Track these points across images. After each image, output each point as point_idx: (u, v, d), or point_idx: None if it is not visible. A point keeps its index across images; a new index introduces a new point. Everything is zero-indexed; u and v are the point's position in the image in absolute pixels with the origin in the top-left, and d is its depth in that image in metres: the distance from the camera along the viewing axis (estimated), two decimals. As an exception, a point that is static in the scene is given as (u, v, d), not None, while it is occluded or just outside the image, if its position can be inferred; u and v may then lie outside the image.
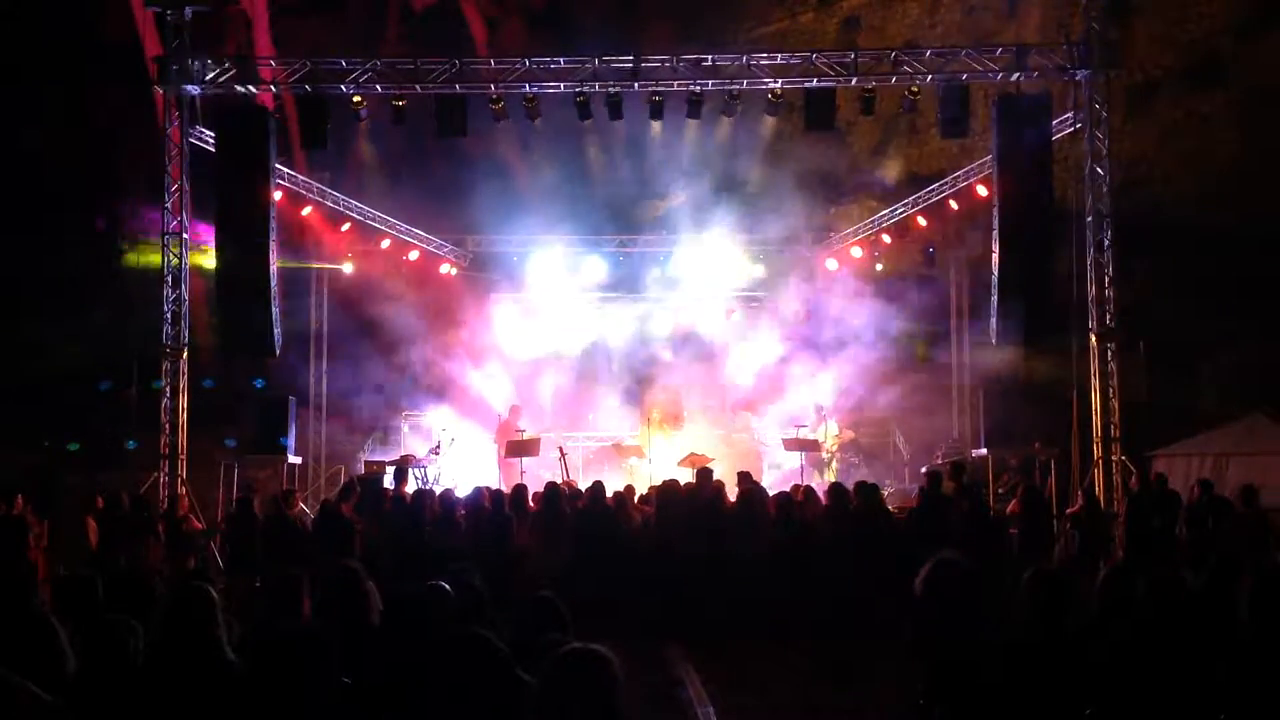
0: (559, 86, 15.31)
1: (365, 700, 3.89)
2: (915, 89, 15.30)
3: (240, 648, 4.49)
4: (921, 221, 19.13)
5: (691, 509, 11.63)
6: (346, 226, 19.32)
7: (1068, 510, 13.82)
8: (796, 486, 13.29)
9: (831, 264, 21.42)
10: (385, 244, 19.92)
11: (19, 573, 10.62)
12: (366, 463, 18.04)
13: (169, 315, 15.04)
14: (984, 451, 15.91)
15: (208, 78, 15.15)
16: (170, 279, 15.08)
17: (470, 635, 3.91)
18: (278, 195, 15.69)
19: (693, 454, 16.64)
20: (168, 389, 14.95)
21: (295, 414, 16.25)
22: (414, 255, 20.49)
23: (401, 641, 4.45)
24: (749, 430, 19.55)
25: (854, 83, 15.22)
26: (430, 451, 17.39)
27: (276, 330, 14.91)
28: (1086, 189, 15.00)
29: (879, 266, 20.64)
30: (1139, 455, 15.44)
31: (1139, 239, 16.39)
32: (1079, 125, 15.07)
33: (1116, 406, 14.69)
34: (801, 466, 16.83)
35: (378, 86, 15.28)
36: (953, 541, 9.78)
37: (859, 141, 23.89)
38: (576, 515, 11.65)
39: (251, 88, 15.61)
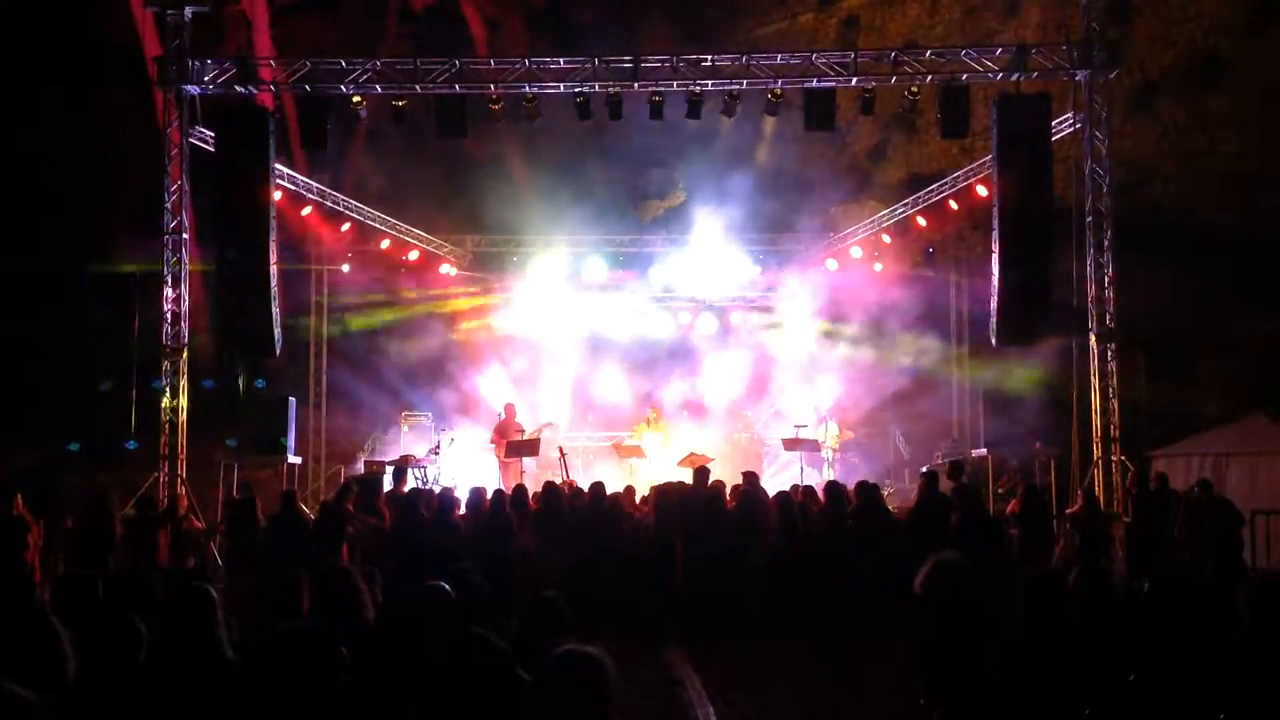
0: (559, 86, 15.31)
1: (365, 700, 3.88)
2: (915, 89, 15.30)
3: (244, 647, 4.49)
4: (921, 221, 19.13)
5: (690, 509, 11.63)
6: (346, 226, 19.32)
7: (1068, 510, 13.82)
8: (796, 486, 13.30)
9: (831, 264, 21.42)
10: (385, 244, 19.92)
11: (18, 572, 10.61)
12: (366, 463, 18.04)
13: (169, 315, 15.04)
14: (984, 451, 15.91)
15: (207, 78, 15.14)
16: (170, 279, 15.08)
17: (470, 635, 3.91)
18: (278, 195, 15.69)
19: (692, 454, 16.65)
20: (168, 389, 14.96)
21: (295, 414, 16.26)
22: (414, 255, 20.49)
23: (401, 641, 4.45)
24: (749, 430, 19.56)
25: (854, 83, 15.22)
26: (430, 451, 17.39)
27: (276, 330, 14.91)
28: (1086, 189, 15.01)
29: (878, 266, 20.64)
30: (1139, 455, 15.44)
31: (1139, 239, 16.38)
32: (1079, 125, 15.08)
33: (1116, 406, 14.69)
34: (801, 466, 16.85)
35: (378, 86, 15.28)
36: (952, 541, 9.81)
37: (859, 141, 23.89)
38: (576, 515, 11.66)
39: (251, 88, 15.60)
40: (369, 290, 21.29)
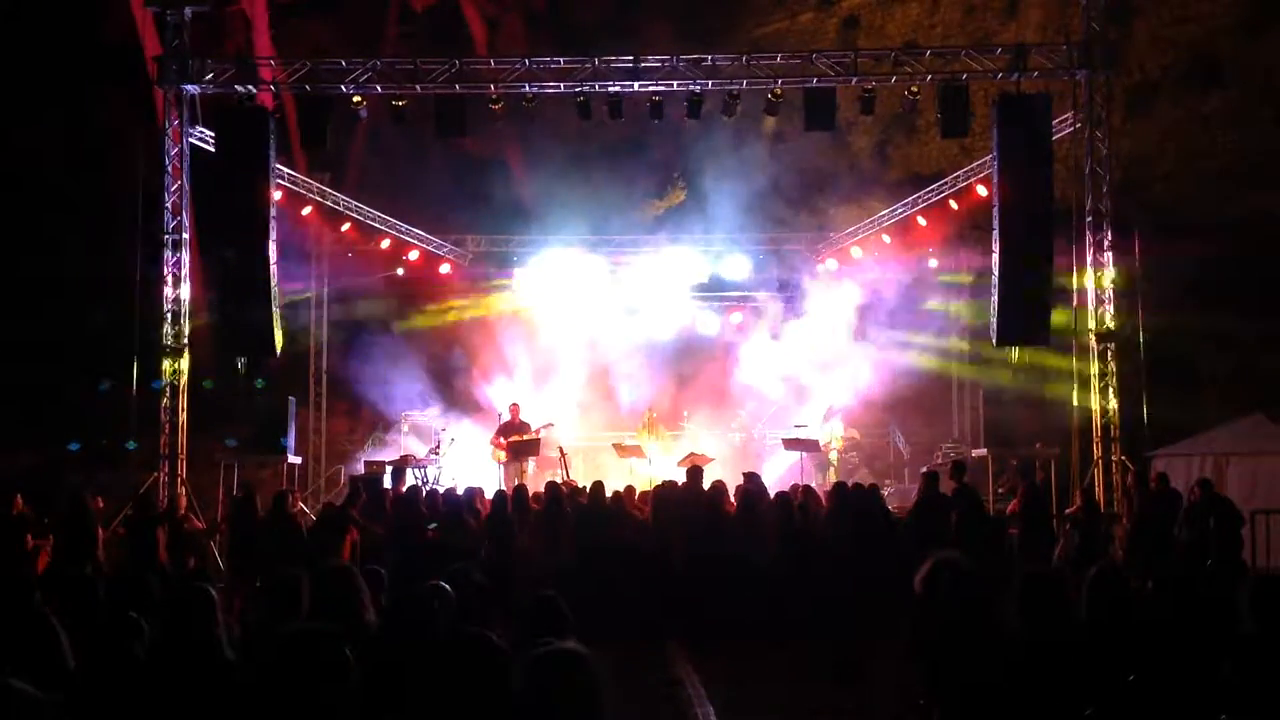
0: (559, 86, 15.31)
1: (365, 700, 3.88)
2: (915, 89, 15.29)
3: (250, 647, 4.50)
4: (921, 221, 19.12)
5: (687, 509, 11.64)
6: (346, 226, 19.32)
7: (1067, 510, 13.83)
8: (796, 486, 13.30)
9: (832, 264, 21.42)
10: (385, 244, 19.92)
11: (19, 572, 10.62)
12: (366, 463, 18.04)
13: (169, 315, 15.04)
14: (984, 451, 15.91)
15: (207, 78, 15.15)
16: (170, 279, 15.08)
17: (470, 635, 3.91)
18: (278, 195, 15.69)
19: (692, 454, 16.66)
20: (168, 389, 14.95)
21: (295, 414, 16.25)
22: (414, 255, 20.48)
23: (401, 641, 4.45)
24: (749, 430, 19.56)
25: (854, 83, 15.22)
26: (430, 451, 17.40)
27: (276, 330, 14.92)
28: (1086, 189, 15.00)
29: (872, 267, 20.64)
30: (1139, 455, 15.44)
31: (1138, 239, 16.38)
32: (1079, 125, 15.08)
33: (1116, 406, 14.69)
34: (801, 466, 16.85)
35: (378, 86, 15.28)
36: (953, 541, 9.82)
37: (859, 141, 23.88)
38: (577, 515, 11.66)
39: (251, 88, 15.61)
40: (369, 290, 21.28)
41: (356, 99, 15.21)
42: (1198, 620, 4.55)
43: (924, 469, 15.60)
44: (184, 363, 15.10)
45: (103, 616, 4.76)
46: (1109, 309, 14.90)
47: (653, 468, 16.95)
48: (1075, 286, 15.06)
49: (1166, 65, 20.81)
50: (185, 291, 15.15)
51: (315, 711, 3.02)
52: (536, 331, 21.65)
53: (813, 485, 14.38)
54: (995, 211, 14.78)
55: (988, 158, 15.87)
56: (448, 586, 4.90)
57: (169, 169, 15.06)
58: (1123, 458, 14.54)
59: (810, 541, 11.19)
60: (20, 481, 13.12)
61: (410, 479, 15.00)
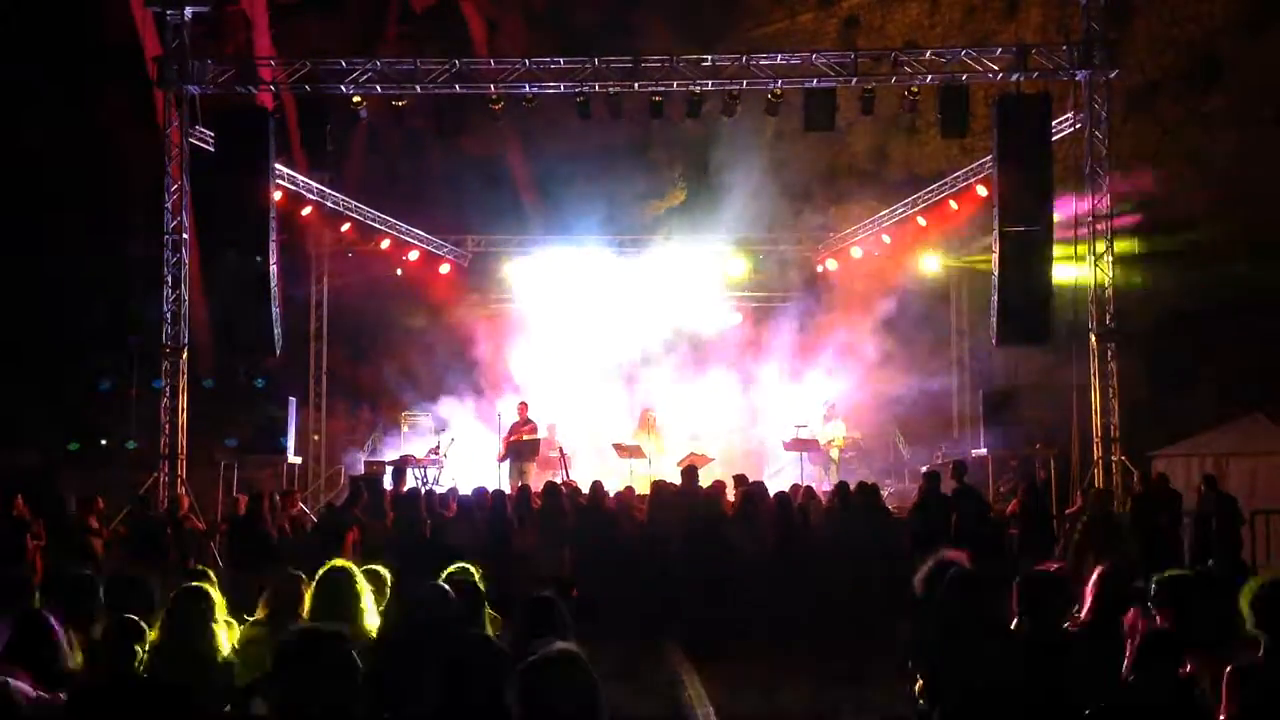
0: (559, 86, 15.31)
1: (366, 701, 3.88)
2: (915, 89, 15.30)
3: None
4: (921, 221, 19.12)
5: (684, 509, 11.64)
6: (346, 226, 19.32)
7: (1067, 510, 13.83)
8: (796, 486, 13.31)
9: (831, 264, 21.42)
10: (385, 244, 19.91)
11: (19, 572, 10.61)
12: (366, 462, 18.06)
13: (169, 315, 15.04)
14: (984, 451, 15.90)
15: (208, 78, 15.15)
16: (170, 279, 15.08)
17: (470, 635, 3.92)
18: (278, 195, 15.69)
19: (692, 454, 16.66)
20: (168, 389, 14.96)
21: (295, 414, 16.25)
22: (414, 255, 20.48)
23: (402, 642, 4.45)
24: (749, 430, 19.56)
25: (854, 83, 15.22)
26: (430, 451, 17.40)
27: (277, 330, 14.92)
28: (1086, 189, 15.01)
29: (872, 267, 20.63)
30: (1139, 455, 15.44)
31: (1138, 239, 16.39)
32: (1079, 125, 15.08)
33: (1116, 406, 14.69)
34: (801, 466, 16.85)
35: (378, 87, 15.28)
36: (953, 541, 9.82)
37: (859, 141, 23.87)
38: (577, 515, 11.66)
39: (251, 88, 15.61)
40: (369, 290, 21.27)
41: (356, 99, 15.22)
42: (1197, 620, 4.56)
43: (924, 469, 15.61)
44: (184, 363, 15.10)
45: (103, 617, 4.76)
46: (1109, 309, 14.90)
47: (653, 468, 16.95)
48: (1075, 286, 15.06)
49: (1166, 65, 20.79)
50: (185, 291, 15.16)
51: (322, 712, 3.03)
52: (536, 331, 21.64)
53: (813, 485, 14.39)
54: (995, 211, 14.79)
55: (988, 158, 15.87)
56: (448, 587, 4.89)
57: (169, 169, 15.06)
58: (1123, 458, 14.54)
59: (810, 541, 11.20)
60: (20, 482, 13.12)
61: (410, 479, 15.00)
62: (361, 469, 17.72)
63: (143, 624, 4.42)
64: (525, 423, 17.01)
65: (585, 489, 12.64)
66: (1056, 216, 14.85)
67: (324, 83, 15.23)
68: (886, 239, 20.05)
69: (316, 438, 20.05)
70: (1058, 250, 14.93)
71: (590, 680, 2.94)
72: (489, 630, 4.66)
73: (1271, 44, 19.48)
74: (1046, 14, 21.30)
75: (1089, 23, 14.95)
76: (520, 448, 16.66)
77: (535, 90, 15.36)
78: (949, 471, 12.88)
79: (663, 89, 15.28)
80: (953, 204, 18.30)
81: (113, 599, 5.07)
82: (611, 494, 12.65)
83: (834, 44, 23.03)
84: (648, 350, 21.32)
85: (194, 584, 4.92)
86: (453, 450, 17.68)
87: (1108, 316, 14.90)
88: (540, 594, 4.76)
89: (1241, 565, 12.03)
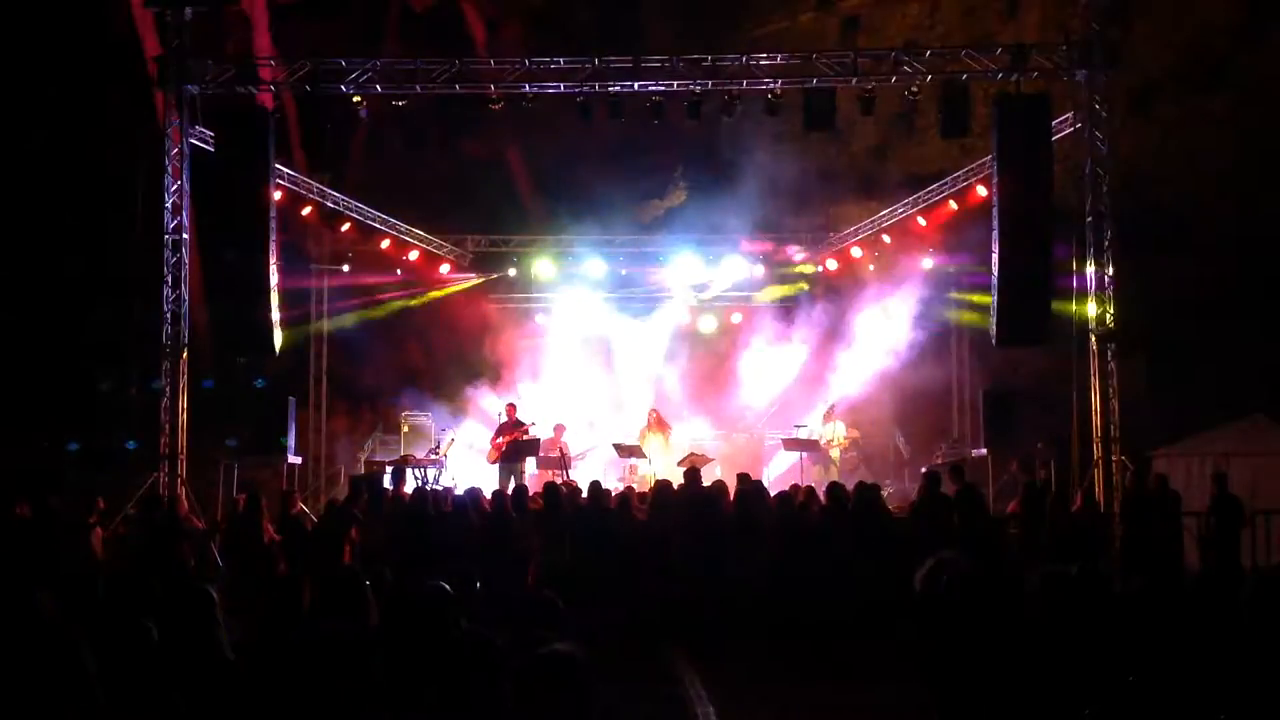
0: (559, 86, 15.31)
1: (365, 701, 3.88)
2: (915, 89, 15.29)
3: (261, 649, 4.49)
4: (921, 221, 19.12)
5: (687, 509, 11.64)
6: (346, 226, 19.31)
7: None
8: (796, 486, 13.30)
9: (831, 264, 21.42)
10: (385, 244, 19.91)
11: (19, 575, 10.61)
12: (367, 462, 18.06)
13: (169, 315, 15.04)
14: (984, 451, 15.91)
15: (207, 78, 15.14)
16: (170, 279, 15.08)
17: (470, 635, 3.92)
18: (278, 195, 15.69)
19: (693, 454, 16.67)
20: (168, 389, 14.96)
21: (295, 414, 16.25)
22: (414, 255, 20.48)
23: (402, 642, 4.45)
24: (749, 430, 19.56)
25: (854, 83, 15.22)
26: (429, 451, 17.40)
27: (276, 330, 14.93)
28: (1086, 189, 15.01)
29: (872, 267, 20.64)
30: (1139, 455, 15.44)
31: (1139, 239, 16.38)
32: (1079, 125, 15.07)
33: (1116, 406, 14.69)
34: (801, 466, 16.85)
35: (378, 86, 15.28)
36: (953, 541, 9.82)
37: (859, 141, 23.86)
38: (577, 515, 11.66)
39: (251, 88, 15.60)
40: (369, 290, 21.27)
41: (356, 99, 15.22)
42: (1194, 619, 4.56)
43: (924, 469, 15.62)
44: (184, 363, 15.09)
45: (103, 617, 4.75)
46: (1109, 309, 14.90)
47: (653, 467, 16.96)
48: (1075, 286, 15.05)
49: (1166, 65, 20.79)
50: (185, 291, 15.16)
51: (330, 712, 3.03)
52: (536, 332, 21.64)
53: (814, 485, 14.38)
54: (995, 211, 14.79)
55: (988, 158, 15.86)
56: (448, 587, 4.90)
57: (169, 169, 15.06)
58: (1123, 458, 14.54)
59: (810, 541, 11.19)
60: (20, 481, 13.11)
61: (410, 479, 15.00)
62: (361, 469, 17.71)
63: (149, 626, 4.42)
64: (515, 424, 16.96)
65: (585, 489, 12.64)
66: (1056, 217, 14.85)
67: (324, 83, 15.22)
68: (886, 239, 20.05)
69: (316, 438, 20.05)
70: (1057, 250, 14.92)
71: (585, 680, 2.95)
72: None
73: (1271, 44, 19.49)
74: (1046, 14, 21.29)
75: (1089, 23, 14.96)
76: (520, 448, 16.65)
77: (535, 90, 15.36)
78: (949, 472, 12.89)
79: (663, 89, 15.28)
80: (953, 204, 18.30)
81: (113, 599, 5.07)
82: (612, 494, 12.65)
83: (834, 44, 23.02)
84: (647, 350, 21.33)
85: (194, 583, 4.92)
86: (452, 450, 17.68)
87: (1108, 316, 14.90)
88: (540, 594, 4.76)
89: (1237, 567, 12.03)
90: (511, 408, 17.41)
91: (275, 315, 14.86)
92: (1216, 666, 4.13)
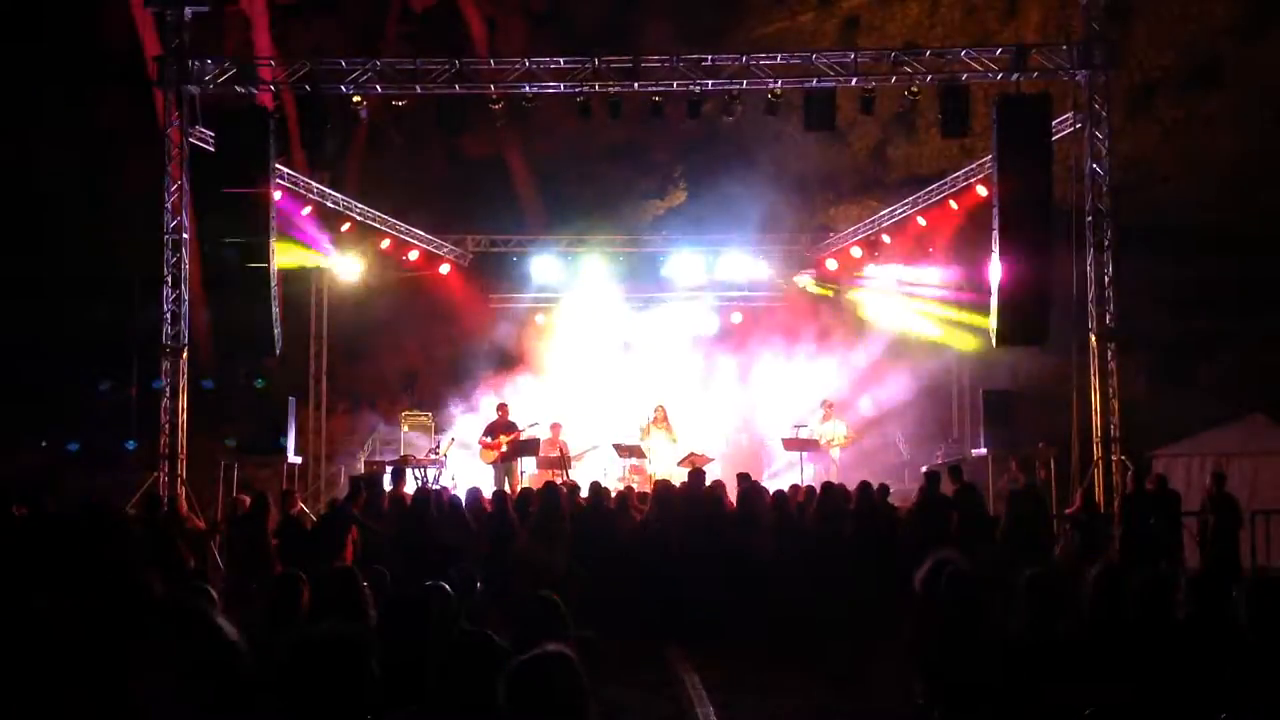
0: (559, 86, 15.31)
1: (364, 701, 3.88)
2: (915, 89, 15.29)
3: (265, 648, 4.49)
4: (921, 221, 19.11)
5: (687, 509, 11.64)
6: (346, 226, 19.31)
7: (1067, 510, 13.83)
8: (796, 486, 13.30)
9: (831, 264, 21.41)
10: (385, 244, 19.91)
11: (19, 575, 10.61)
12: (367, 462, 18.05)
13: (169, 315, 15.04)
14: (984, 451, 15.90)
15: (207, 78, 15.14)
16: (170, 279, 15.08)
17: (471, 635, 3.92)
18: (278, 195, 15.68)
19: (692, 454, 16.66)
20: (168, 389, 14.96)
21: (295, 414, 16.25)
22: (414, 255, 20.47)
23: (402, 641, 4.46)
24: (749, 430, 19.55)
25: (854, 83, 15.21)
26: (429, 451, 17.39)
27: (276, 330, 14.91)
28: (1086, 189, 15.00)
29: (872, 266, 20.63)
30: (1139, 455, 15.45)
31: (1139, 239, 16.39)
32: (1079, 125, 15.07)
33: (1116, 406, 14.69)
34: (801, 466, 16.85)
35: (378, 86, 15.28)
36: (952, 541, 9.82)
37: (859, 141, 23.88)
38: (576, 515, 11.66)
39: (251, 88, 15.60)
40: (369, 290, 21.27)
41: (356, 99, 15.21)
42: (1197, 620, 4.56)
43: (924, 469, 15.61)
44: (184, 363, 15.09)
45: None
46: (1109, 309, 14.90)
47: (653, 467, 16.95)
48: (1075, 286, 15.05)
49: (1166, 65, 20.80)
50: (185, 291, 15.15)
51: (330, 713, 3.02)
52: (537, 331, 21.63)
53: (814, 486, 14.38)
54: (995, 211, 14.78)
55: (988, 158, 15.85)
56: (448, 587, 4.90)
57: (169, 169, 15.06)
58: (1123, 458, 14.54)
59: (810, 542, 11.20)
60: (20, 481, 13.12)
61: (410, 479, 15.00)
62: (361, 469, 17.71)
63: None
64: (507, 425, 16.93)
65: (585, 489, 12.64)
66: (1056, 217, 14.84)
67: (324, 83, 15.22)
68: (886, 239, 20.04)
69: (316, 438, 20.05)
70: (1057, 250, 14.92)
71: (579, 680, 2.95)
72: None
73: (1272, 44, 19.50)
74: (1046, 14, 21.30)
75: (1089, 23, 14.95)
76: (518, 448, 16.63)
77: (535, 90, 15.36)
78: (949, 472, 12.88)
79: (663, 89, 15.26)
80: (953, 204, 18.29)
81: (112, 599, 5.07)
82: (611, 494, 12.65)
83: (834, 44, 23.02)
84: (648, 350, 21.32)
85: (194, 583, 4.92)
86: (452, 450, 17.68)
87: (1108, 316, 14.90)
88: (540, 594, 4.76)
89: (1235, 567, 12.02)
90: (503, 408, 17.40)
91: (275, 315, 14.85)
92: (1216, 667, 4.13)
